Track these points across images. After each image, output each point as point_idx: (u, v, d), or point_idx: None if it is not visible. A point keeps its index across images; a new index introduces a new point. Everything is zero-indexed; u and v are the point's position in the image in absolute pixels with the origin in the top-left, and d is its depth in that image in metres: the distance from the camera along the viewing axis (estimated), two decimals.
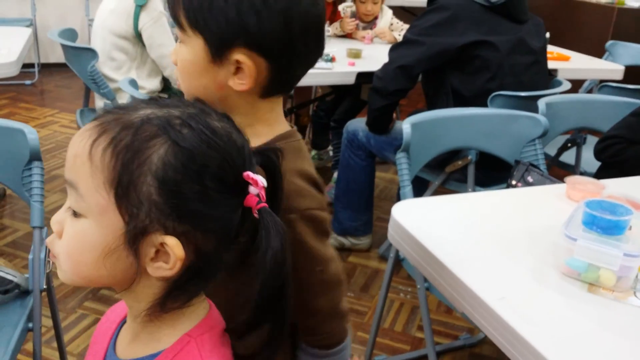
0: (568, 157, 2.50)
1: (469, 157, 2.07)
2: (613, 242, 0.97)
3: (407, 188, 1.65)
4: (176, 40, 2.60)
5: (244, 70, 0.81)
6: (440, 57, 2.18)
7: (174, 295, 0.64)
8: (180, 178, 0.60)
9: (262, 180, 0.65)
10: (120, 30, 2.43)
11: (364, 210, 2.63)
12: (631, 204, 1.08)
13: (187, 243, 0.62)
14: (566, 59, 2.99)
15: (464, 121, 1.86)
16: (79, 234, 0.63)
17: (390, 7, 3.34)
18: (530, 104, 2.07)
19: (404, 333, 2.20)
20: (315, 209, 0.87)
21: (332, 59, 2.53)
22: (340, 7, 3.33)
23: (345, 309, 0.96)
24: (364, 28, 3.24)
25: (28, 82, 4.75)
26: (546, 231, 1.15)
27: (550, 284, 1.00)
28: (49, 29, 4.72)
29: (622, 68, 2.97)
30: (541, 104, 2.00)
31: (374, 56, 2.68)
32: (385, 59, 2.29)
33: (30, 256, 1.45)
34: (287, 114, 3.25)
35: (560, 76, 2.65)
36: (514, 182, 1.65)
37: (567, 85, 2.36)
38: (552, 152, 2.49)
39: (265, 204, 0.65)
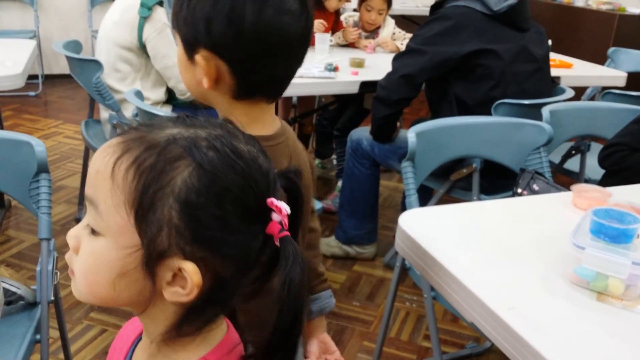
0: (572, 164, 2.50)
1: (474, 165, 2.07)
2: (621, 250, 0.97)
3: (413, 197, 1.65)
4: None
5: (204, 69, 0.88)
6: (444, 66, 2.19)
7: (191, 320, 0.63)
8: (202, 202, 0.58)
9: (285, 208, 0.63)
10: (125, 42, 2.44)
11: (368, 218, 2.63)
12: (637, 212, 1.08)
13: (206, 268, 0.60)
14: (568, 66, 3.00)
15: (468, 130, 1.87)
16: (96, 253, 0.61)
17: (393, 16, 3.35)
18: (534, 112, 2.07)
19: (410, 342, 2.20)
20: None
21: (335, 69, 2.54)
22: (343, 17, 3.34)
23: None
24: (367, 37, 3.25)
25: (32, 93, 4.77)
26: (554, 240, 1.16)
27: (559, 293, 1.00)
28: (52, 40, 4.75)
29: (624, 75, 2.98)
30: (545, 111, 2.00)
31: (377, 65, 2.69)
32: (388, 68, 2.30)
33: (38, 268, 1.46)
34: (290, 123, 3.26)
35: (563, 83, 2.66)
36: (519, 191, 1.65)
37: (570, 93, 2.36)
38: (556, 159, 2.50)
39: (288, 232, 0.63)
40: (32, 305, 1.50)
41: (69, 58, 2.49)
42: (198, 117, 0.65)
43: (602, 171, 1.95)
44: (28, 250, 2.60)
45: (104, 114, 2.56)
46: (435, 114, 2.33)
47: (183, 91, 2.53)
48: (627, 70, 3.13)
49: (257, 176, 0.62)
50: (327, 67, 2.53)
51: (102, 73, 2.37)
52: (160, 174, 0.58)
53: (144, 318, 0.66)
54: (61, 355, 1.79)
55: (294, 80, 2.38)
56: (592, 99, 3.21)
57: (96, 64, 2.38)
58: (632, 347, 0.89)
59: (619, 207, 1.11)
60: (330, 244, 2.68)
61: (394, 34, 3.28)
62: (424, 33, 2.23)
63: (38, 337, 1.43)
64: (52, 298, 1.47)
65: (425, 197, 2.43)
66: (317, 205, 1.75)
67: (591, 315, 0.95)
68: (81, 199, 2.96)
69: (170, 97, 2.65)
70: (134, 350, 0.73)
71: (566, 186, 1.55)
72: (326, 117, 3.41)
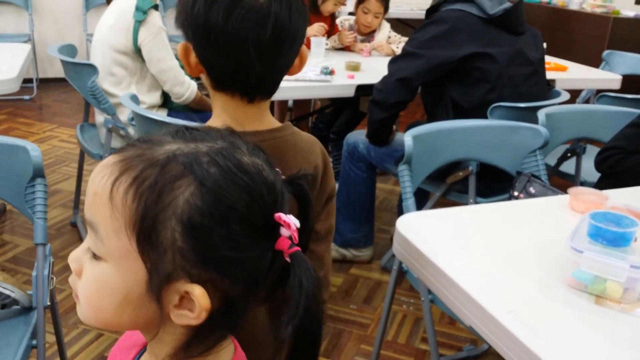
0: (568, 167, 2.51)
1: (470, 168, 2.08)
2: (619, 253, 0.97)
3: (410, 200, 1.65)
4: (175, 54, 2.62)
5: (178, 53, 0.96)
6: (439, 69, 2.19)
7: (199, 340, 0.60)
8: (207, 222, 0.55)
9: (295, 222, 0.60)
10: (120, 46, 2.44)
11: (365, 222, 2.63)
12: (634, 215, 1.08)
13: (214, 290, 0.58)
14: (563, 69, 3.01)
15: (465, 133, 1.87)
16: (99, 278, 0.59)
17: (388, 20, 3.36)
18: (529, 115, 2.08)
19: (407, 345, 2.20)
20: None
21: (331, 72, 2.54)
22: (338, 20, 3.35)
23: None
24: (362, 41, 3.25)
25: (27, 97, 4.75)
26: (551, 243, 1.16)
27: (557, 297, 1.00)
28: (47, 44, 4.76)
29: (619, 77, 2.99)
30: (541, 115, 2.01)
31: (373, 69, 2.69)
32: (384, 71, 2.31)
33: (34, 273, 1.45)
34: None
35: (558, 86, 2.67)
36: (516, 194, 1.65)
37: (566, 96, 2.37)
38: (552, 162, 2.50)
39: (298, 248, 0.60)
40: (28, 310, 1.49)
41: (64, 62, 2.48)
42: (198, 129, 0.62)
43: (598, 174, 1.96)
44: (23, 255, 2.59)
45: (99, 117, 2.56)
46: (431, 118, 2.33)
47: (178, 95, 2.53)
48: (622, 72, 3.14)
49: (263, 190, 0.59)
50: (323, 71, 2.53)
51: (97, 77, 2.37)
52: (161, 194, 0.56)
53: (150, 339, 0.64)
54: None
55: (290, 84, 2.42)
56: (587, 101, 3.23)
57: (91, 68, 2.37)
58: (630, 350, 0.89)
59: (616, 210, 1.11)
60: None
61: (389, 37, 3.29)
62: (420, 36, 2.23)
63: (34, 342, 1.43)
64: (48, 303, 1.47)
65: (421, 200, 2.43)
66: None
67: (589, 319, 0.95)
68: (76, 203, 2.95)
69: (166, 101, 2.65)
70: None
71: (562, 189, 1.55)
72: (322, 121, 3.41)
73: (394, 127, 2.47)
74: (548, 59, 3.03)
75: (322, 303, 0.61)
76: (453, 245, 1.17)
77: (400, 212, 2.36)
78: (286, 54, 0.96)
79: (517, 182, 1.68)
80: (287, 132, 1.03)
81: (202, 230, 0.56)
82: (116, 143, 2.50)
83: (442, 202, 2.32)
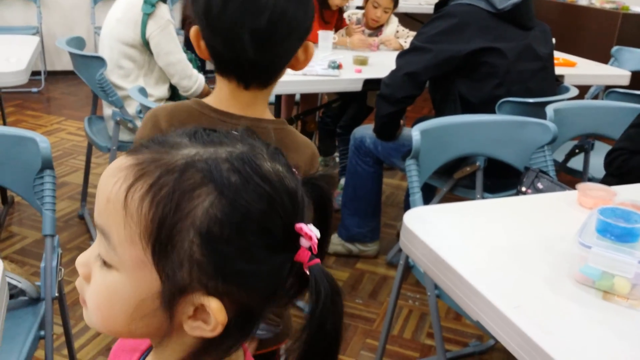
0: (576, 163, 2.50)
1: (478, 164, 2.07)
2: (627, 249, 0.97)
3: (417, 195, 1.65)
4: (183, 47, 2.61)
5: (190, 37, 1.02)
6: (448, 64, 2.19)
7: (211, 350, 0.58)
8: (226, 235, 0.53)
9: (315, 233, 0.58)
10: (128, 39, 2.44)
11: (371, 216, 2.63)
12: None
13: (230, 302, 0.55)
14: (572, 64, 3.00)
15: (473, 128, 1.86)
16: (110, 287, 0.56)
17: (396, 14, 3.35)
18: (538, 110, 2.07)
19: (413, 340, 2.20)
20: None
21: (338, 66, 2.54)
22: (346, 14, 3.34)
23: None
24: (370, 35, 3.24)
25: (34, 89, 4.77)
26: (559, 238, 1.15)
27: (564, 292, 1.00)
28: (55, 36, 4.77)
29: (628, 74, 2.97)
30: (549, 110, 2.00)
31: (381, 63, 2.69)
32: (391, 65, 2.30)
33: (42, 264, 1.46)
34: (293, 120, 3.25)
35: (566, 82, 2.65)
36: (523, 189, 1.65)
37: (574, 92, 2.36)
38: (560, 158, 2.49)
39: (318, 260, 0.57)
40: (36, 301, 1.50)
41: (72, 55, 2.49)
42: (216, 130, 0.59)
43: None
44: (31, 247, 2.60)
45: (107, 110, 2.56)
46: (439, 113, 2.33)
47: (186, 88, 2.53)
48: (631, 69, 3.12)
49: (285, 200, 0.56)
50: (330, 65, 2.52)
51: (105, 70, 2.37)
52: (179, 204, 0.53)
53: (159, 346, 0.61)
54: (65, 351, 1.80)
55: (297, 78, 2.44)
56: (595, 97, 3.21)
57: (100, 61, 2.38)
58: (638, 346, 0.89)
59: (624, 206, 1.11)
60: (333, 242, 2.68)
61: (397, 32, 3.28)
62: (428, 31, 2.23)
63: (42, 333, 1.44)
64: (57, 294, 1.47)
65: (428, 195, 2.43)
66: None
67: (597, 314, 0.95)
68: (84, 196, 2.96)
69: (173, 94, 2.65)
70: None
71: (570, 185, 1.55)
72: (329, 115, 3.41)
73: (402, 121, 2.46)
74: (557, 54, 3.01)
75: (341, 319, 0.57)
76: (460, 240, 1.17)
77: (407, 207, 2.36)
78: (282, 43, 0.98)
79: (524, 177, 1.68)
80: (275, 126, 1.06)
81: (221, 242, 0.53)
82: (124, 136, 2.51)
83: (449, 198, 2.32)
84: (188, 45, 2.36)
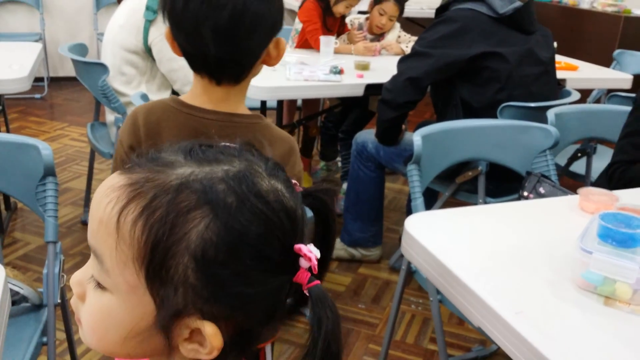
0: (578, 167, 2.49)
1: (480, 168, 2.07)
2: (629, 255, 0.97)
3: (419, 200, 1.65)
4: None
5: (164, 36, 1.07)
6: (449, 68, 2.19)
7: None
8: (221, 258, 0.51)
9: (315, 254, 0.56)
10: (130, 45, 2.44)
11: (373, 221, 2.63)
12: None
13: (227, 325, 0.54)
14: (574, 68, 2.99)
15: (474, 132, 1.86)
16: (104, 310, 0.55)
17: (397, 19, 3.35)
18: (540, 115, 2.07)
19: (415, 345, 2.20)
20: None
21: (340, 71, 2.54)
22: (348, 19, 3.34)
23: None
24: (372, 40, 3.25)
25: (38, 95, 4.79)
26: (561, 243, 1.15)
27: (566, 298, 1.00)
28: (58, 43, 4.78)
29: (630, 77, 2.97)
30: (550, 115, 2.00)
31: (382, 68, 2.69)
32: (393, 70, 2.30)
33: (44, 270, 1.46)
34: (295, 126, 3.26)
35: (568, 86, 2.65)
36: (525, 194, 1.65)
37: (576, 96, 2.36)
38: (562, 162, 2.49)
39: (318, 282, 0.56)
40: (39, 307, 1.50)
41: (75, 61, 2.50)
42: (212, 146, 0.58)
43: None
44: (34, 253, 2.61)
45: (110, 116, 2.57)
46: (441, 117, 2.33)
47: None
48: (633, 72, 3.12)
49: (283, 220, 0.54)
50: (332, 70, 2.53)
51: (107, 76, 2.38)
52: (173, 227, 0.51)
53: None
54: (68, 357, 1.80)
55: (299, 83, 2.45)
56: (597, 101, 3.21)
57: (102, 67, 2.38)
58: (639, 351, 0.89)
59: (626, 211, 1.11)
60: (335, 247, 2.67)
61: (399, 37, 3.28)
62: (430, 36, 2.23)
63: (45, 339, 1.44)
64: (59, 301, 1.48)
65: (430, 199, 2.42)
66: None
67: (599, 320, 0.95)
68: (87, 201, 2.96)
69: None
70: None
71: (572, 189, 1.54)
72: (331, 120, 3.41)
73: (403, 126, 2.46)
74: (559, 58, 3.01)
75: (341, 342, 0.56)
76: (462, 245, 1.16)
77: (409, 211, 2.36)
78: (246, 38, 1.00)
79: (526, 182, 1.68)
80: (249, 121, 1.08)
81: (217, 266, 0.51)
82: None
83: (451, 202, 2.32)
84: None
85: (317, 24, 3.09)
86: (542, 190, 1.63)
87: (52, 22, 5.03)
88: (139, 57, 2.47)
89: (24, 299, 1.50)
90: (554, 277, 1.05)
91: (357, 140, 2.57)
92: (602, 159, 2.33)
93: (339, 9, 3.12)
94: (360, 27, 3.25)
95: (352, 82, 2.50)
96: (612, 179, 1.75)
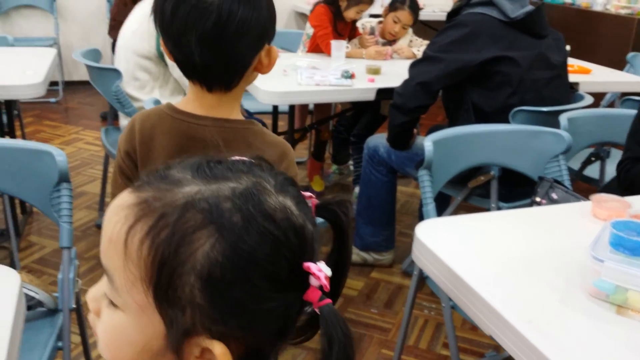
0: (592, 171, 2.48)
1: (492, 173, 2.07)
2: None
3: (430, 206, 1.65)
4: None
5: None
6: (460, 73, 2.19)
7: None
8: (228, 278, 0.51)
9: (325, 272, 0.55)
10: (143, 51, 2.47)
11: (386, 225, 2.63)
12: None
13: (237, 344, 0.54)
14: (587, 72, 2.98)
15: (486, 138, 1.86)
16: (117, 328, 0.56)
17: None
18: (552, 119, 2.06)
19: (428, 350, 2.19)
20: None
21: (351, 76, 2.55)
22: (360, 24, 3.34)
23: None
24: (384, 44, 3.25)
25: (53, 100, 4.83)
26: (573, 251, 1.15)
27: (578, 306, 0.99)
28: (73, 47, 4.83)
29: None
30: (563, 119, 1.99)
31: (394, 72, 2.69)
32: (404, 74, 2.30)
33: (59, 276, 1.48)
34: (307, 129, 3.27)
35: (581, 89, 2.64)
36: (538, 199, 1.64)
37: (589, 100, 2.35)
38: (576, 165, 2.48)
39: (329, 300, 0.55)
40: (54, 312, 1.52)
41: (89, 67, 2.52)
42: (221, 161, 0.57)
43: None
44: (50, 256, 2.64)
45: (124, 121, 2.59)
46: (453, 122, 2.32)
47: None
48: None
49: (291, 238, 0.54)
50: (343, 75, 2.53)
51: (121, 81, 2.40)
52: (179, 248, 0.51)
53: None
54: None
55: (310, 88, 2.47)
56: (611, 104, 3.19)
57: (115, 73, 2.41)
58: None
59: (638, 218, 1.10)
60: None
61: (410, 41, 3.28)
62: (441, 40, 2.23)
63: (60, 344, 1.46)
64: (74, 306, 1.49)
65: (442, 204, 2.42)
66: None
67: (610, 329, 0.95)
68: (101, 205, 2.99)
69: None
70: None
71: (586, 193, 1.54)
72: (343, 124, 3.42)
73: (415, 130, 2.46)
74: (571, 61, 3.00)
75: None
76: (473, 252, 1.16)
77: (421, 216, 2.36)
78: (232, 46, 1.02)
79: (539, 187, 1.67)
80: (241, 126, 1.10)
81: (223, 286, 0.51)
82: None
83: (464, 206, 2.32)
84: None
85: (328, 28, 3.10)
86: (554, 195, 1.63)
87: (66, 26, 5.08)
88: (152, 63, 2.49)
89: (40, 303, 1.52)
90: (565, 285, 1.05)
91: (369, 145, 2.58)
92: (616, 163, 2.31)
93: (349, 14, 3.12)
94: (372, 31, 3.25)
95: (363, 87, 2.50)
96: (620, 178, 1.75)
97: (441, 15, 4.82)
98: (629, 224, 1.03)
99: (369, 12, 4.08)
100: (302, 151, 3.85)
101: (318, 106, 3.44)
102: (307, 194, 0.62)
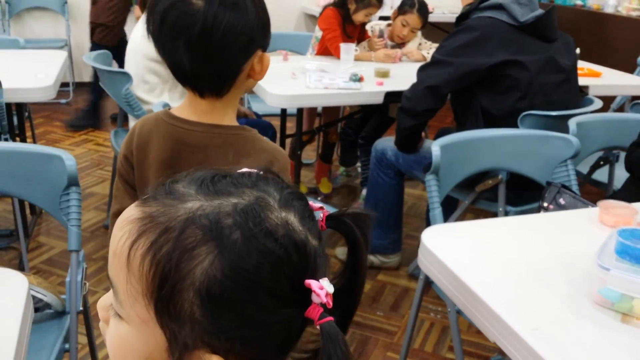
0: (601, 175, 2.47)
1: (500, 177, 2.06)
2: None
3: (437, 210, 1.65)
4: None
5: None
6: (469, 77, 2.18)
7: None
8: (227, 295, 0.51)
9: (327, 289, 0.55)
10: (153, 54, 2.47)
11: (393, 228, 2.63)
12: None
13: (237, 358, 0.54)
14: (597, 75, 2.96)
15: (493, 142, 1.86)
16: (122, 338, 0.57)
17: None
18: (561, 123, 2.06)
19: (434, 354, 2.19)
20: None
21: (360, 79, 2.55)
22: (369, 26, 3.34)
23: None
24: (393, 47, 3.25)
25: (63, 101, 4.86)
26: (579, 258, 1.15)
27: (583, 314, 0.99)
28: (83, 48, 4.85)
29: None
30: (572, 124, 1.98)
31: (402, 75, 2.69)
32: (413, 77, 2.30)
33: (67, 279, 1.49)
34: (315, 132, 3.27)
35: (591, 93, 2.63)
36: (545, 204, 1.63)
37: (598, 104, 2.33)
38: (585, 169, 2.47)
39: (330, 318, 0.54)
40: (61, 314, 1.53)
41: (99, 70, 2.54)
42: (226, 175, 0.57)
43: None
44: (58, 257, 2.65)
45: (133, 123, 2.61)
46: (461, 125, 2.32)
47: None
48: None
49: (292, 255, 0.54)
50: (352, 78, 2.54)
51: (131, 85, 2.42)
52: (179, 263, 0.52)
53: None
54: None
55: (319, 91, 2.47)
56: (621, 108, 3.17)
57: (125, 76, 2.42)
58: None
59: None
60: None
61: (420, 44, 3.28)
62: (450, 44, 2.23)
63: (67, 346, 1.47)
64: (81, 308, 1.51)
65: (450, 207, 2.42)
66: None
67: (616, 337, 0.94)
68: (110, 206, 3.01)
69: None
70: None
71: (595, 196, 1.53)
72: (351, 126, 3.42)
73: (423, 134, 2.46)
74: (582, 64, 2.98)
75: None
76: (478, 259, 1.16)
77: (428, 219, 2.36)
78: (219, 52, 1.03)
79: (546, 192, 1.66)
80: (230, 132, 1.12)
81: (222, 303, 0.52)
82: None
83: (471, 210, 2.31)
84: None
85: (337, 31, 3.10)
86: (562, 201, 1.62)
87: (77, 28, 5.10)
88: (161, 66, 2.50)
89: (47, 305, 1.53)
90: (571, 292, 1.05)
91: (377, 148, 2.58)
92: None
93: (358, 17, 3.12)
94: (381, 34, 3.25)
95: (371, 90, 2.50)
96: (625, 162, 1.81)
97: (451, 17, 4.81)
98: (636, 232, 1.03)
99: (379, 15, 4.08)
100: (310, 153, 3.86)
101: (326, 108, 3.45)
102: (317, 205, 0.61)
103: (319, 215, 0.60)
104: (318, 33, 3.27)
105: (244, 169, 0.60)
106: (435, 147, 1.69)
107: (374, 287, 2.58)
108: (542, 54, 2.19)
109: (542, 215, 1.51)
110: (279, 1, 5.19)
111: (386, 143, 2.56)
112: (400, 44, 3.26)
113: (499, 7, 2.19)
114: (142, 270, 0.53)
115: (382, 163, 2.54)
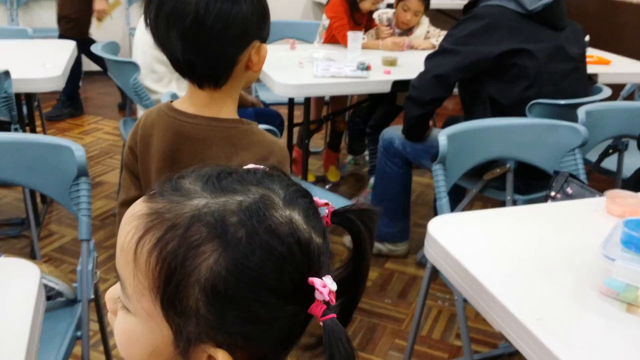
0: (610, 163, 2.46)
1: (508, 166, 2.06)
2: None
3: (444, 200, 1.66)
4: None
5: None
6: (477, 66, 2.17)
7: None
8: (231, 292, 0.52)
9: (330, 287, 0.55)
10: None
11: (400, 217, 2.64)
12: None
13: (241, 353, 0.55)
14: (606, 62, 2.94)
15: (501, 131, 1.86)
16: (129, 330, 0.58)
17: (427, 11, 3.31)
18: (569, 112, 2.05)
19: (442, 341, 2.21)
20: None
21: (367, 68, 2.54)
22: (376, 15, 3.33)
23: None
24: (401, 34, 3.23)
25: None
26: (585, 248, 1.15)
27: (588, 304, 1.00)
28: (92, 37, 4.86)
29: None
30: (580, 113, 1.98)
31: (410, 64, 2.68)
32: (421, 66, 2.30)
33: (78, 267, 1.51)
34: (323, 120, 3.27)
35: (600, 81, 2.61)
36: (553, 194, 1.64)
37: (607, 92, 2.32)
38: (594, 157, 2.46)
39: (333, 315, 0.55)
40: (73, 302, 1.56)
41: (107, 60, 2.55)
42: (232, 173, 0.58)
43: None
44: (69, 245, 2.68)
45: (141, 113, 2.62)
46: (469, 114, 2.32)
47: None
48: None
49: (296, 253, 0.54)
50: (359, 67, 2.53)
51: (139, 74, 2.43)
52: (184, 260, 0.53)
53: None
54: (101, 348, 1.86)
55: (326, 80, 2.49)
56: (630, 95, 3.15)
57: (133, 66, 2.43)
58: None
59: None
60: None
61: (427, 32, 3.26)
62: (457, 33, 2.22)
63: (79, 333, 1.49)
64: (92, 296, 1.53)
65: (457, 195, 2.42)
66: (348, 202, 1.78)
67: (620, 327, 0.95)
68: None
69: None
70: None
71: (603, 185, 1.53)
72: (359, 114, 3.42)
73: (431, 122, 2.46)
74: (591, 51, 2.96)
75: None
76: (484, 249, 1.17)
77: (436, 208, 2.36)
78: (213, 42, 1.04)
79: (554, 182, 1.67)
80: (226, 125, 1.12)
81: (227, 299, 0.53)
82: None
83: (479, 199, 2.32)
84: None
85: (344, 19, 3.09)
86: (569, 190, 1.62)
87: None
88: None
89: (59, 294, 1.55)
90: (576, 282, 1.06)
91: (384, 137, 2.58)
92: (634, 155, 2.29)
93: (365, 5, 3.11)
94: (388, 22, 3.23)
95: (379, 79, 2.50)
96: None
97: (459, 4, 4.78)
98: None
99: (386, 2, 4.06)
100: (318, 141, 3.86)
101: (334, 97, 3.44)
102: (323, 201, 0.61)
103: (324, 211, 0.61)
104: (325, 21, 3.26)
105: (250, 165, 0.61)
106: (442, 137, 1.69)
107: (381, 274, 2.59)
108: (551, 43, 2.17)
109: (548, 205, 1.51)
110: None
111: (394, 132, 2.56)
112: (407, 31, 3.25)
113: None
114: (148, 266, 0.54)
115: (390, 152, 2.55)
